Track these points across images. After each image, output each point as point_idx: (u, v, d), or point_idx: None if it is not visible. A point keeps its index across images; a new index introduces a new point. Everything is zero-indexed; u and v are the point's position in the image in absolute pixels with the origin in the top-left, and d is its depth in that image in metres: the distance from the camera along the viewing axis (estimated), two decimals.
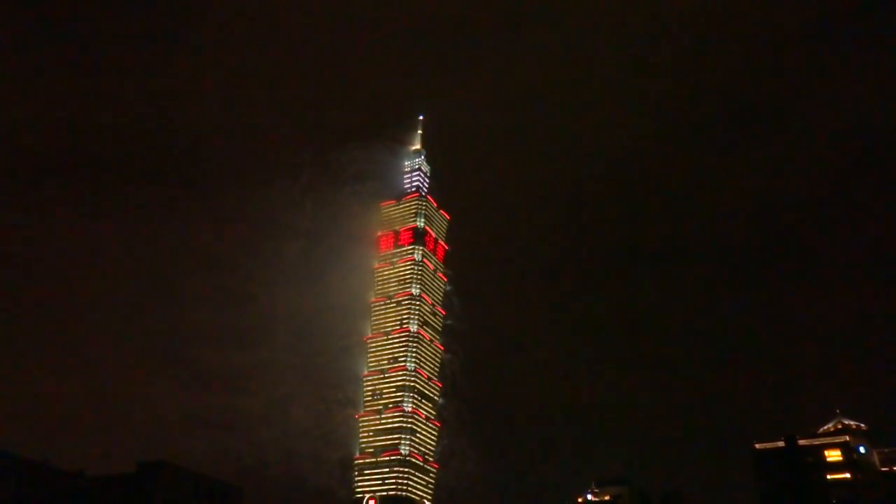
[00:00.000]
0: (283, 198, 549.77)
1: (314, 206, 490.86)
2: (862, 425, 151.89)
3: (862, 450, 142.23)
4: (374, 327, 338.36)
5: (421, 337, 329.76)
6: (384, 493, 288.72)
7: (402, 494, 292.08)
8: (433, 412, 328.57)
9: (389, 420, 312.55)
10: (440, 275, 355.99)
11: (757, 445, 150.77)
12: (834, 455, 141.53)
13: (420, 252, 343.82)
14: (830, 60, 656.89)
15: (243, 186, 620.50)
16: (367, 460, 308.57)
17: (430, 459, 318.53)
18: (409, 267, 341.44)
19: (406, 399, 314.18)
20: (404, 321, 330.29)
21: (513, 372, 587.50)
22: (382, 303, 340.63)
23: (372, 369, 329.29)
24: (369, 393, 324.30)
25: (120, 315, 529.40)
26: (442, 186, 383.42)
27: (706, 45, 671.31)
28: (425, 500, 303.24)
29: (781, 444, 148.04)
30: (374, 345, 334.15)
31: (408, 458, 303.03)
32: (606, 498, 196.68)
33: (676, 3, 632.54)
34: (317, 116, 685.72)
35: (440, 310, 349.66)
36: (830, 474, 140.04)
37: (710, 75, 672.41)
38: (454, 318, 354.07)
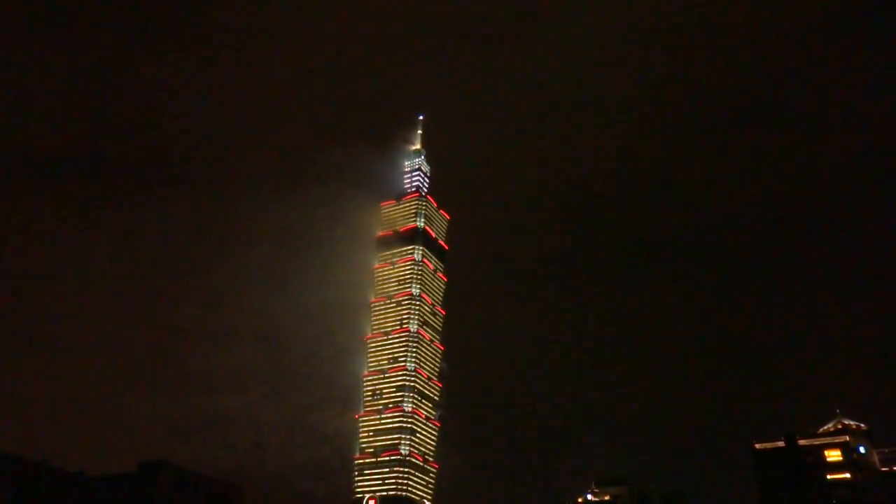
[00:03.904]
0: (274, 199, 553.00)
1: (306, 207, 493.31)
2: (862, 425, 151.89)
3: (862, 450, 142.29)
4: (374, 327, 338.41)
5: (421, 337, 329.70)
6: (384, 493, 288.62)
7: (402, 494, 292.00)
8: (433, 412, 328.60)
9: (389, 420, 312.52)
10: (440, 275, 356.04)
11: (757, 445, 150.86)
12: (834, 455, 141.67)
13: (420, 252, 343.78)
14: (833, 59, 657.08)
15: (229, 188, 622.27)
16: (367, 460, 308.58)
17: (430, 459, 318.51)
18: (409, 267, 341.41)
19: (406, 399, 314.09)
20: (404, 321, 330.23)
21: (513, 372, 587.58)
22: (382, 303, 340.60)
23: (372, 369, 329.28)
24: (369, 393, 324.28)
25: (110, 315, 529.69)
26: (442, 186, 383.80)
27: (710, 45, 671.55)
28: (425, 500, 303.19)
29: (781, 444, 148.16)
30: (374, 345, 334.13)
31: (408, 458, 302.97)
32: (606, 498, 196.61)
33: (680, 3, 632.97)
34: (314, 117, 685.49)
35: (440, 310, 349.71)
36: (830, 474, 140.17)
37: (713, 75, 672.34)
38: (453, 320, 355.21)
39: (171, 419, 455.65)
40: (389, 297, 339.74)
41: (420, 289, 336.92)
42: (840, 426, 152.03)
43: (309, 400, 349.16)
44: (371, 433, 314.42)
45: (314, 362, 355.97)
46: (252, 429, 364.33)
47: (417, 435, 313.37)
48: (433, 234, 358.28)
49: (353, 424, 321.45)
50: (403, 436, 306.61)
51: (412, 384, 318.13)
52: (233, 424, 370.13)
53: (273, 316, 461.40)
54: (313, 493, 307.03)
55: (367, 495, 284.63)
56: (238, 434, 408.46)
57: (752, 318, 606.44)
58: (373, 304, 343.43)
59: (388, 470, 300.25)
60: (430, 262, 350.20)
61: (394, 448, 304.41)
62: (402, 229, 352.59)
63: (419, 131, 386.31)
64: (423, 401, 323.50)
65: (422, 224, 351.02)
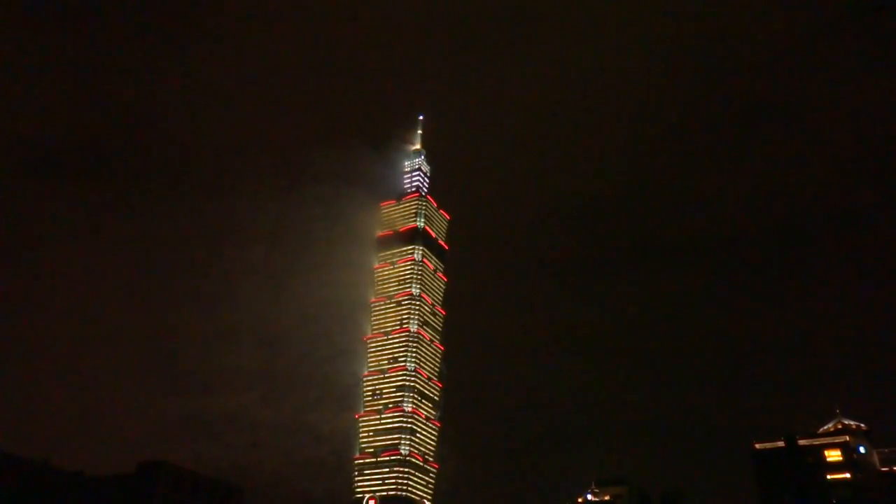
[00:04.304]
0: (272, 199, 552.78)
1: (306, 208, 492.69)
2: (862, 425, 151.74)
3: (862, 450, 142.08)
4: (374, 327, 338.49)
5: (421, 337, 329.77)
6: (384, 493, 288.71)
7: (402, 494, 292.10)
8: (433, 412, 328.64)
9: (389, 420, 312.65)
10: (440, 275, 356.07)
11: (757, 445, 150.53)
12: (834, 455, 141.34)
13: (420, 252, 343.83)
14: (833, 59, 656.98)
15: (228, 188, 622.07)
16: (367, 460, 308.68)
17: (430, 459, 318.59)
18: (409, 267, 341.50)
19: (406, 399, 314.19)
20: (404, 321, 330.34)
21: (513, 372, 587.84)
22: (382, 303, 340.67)
23: (372, 369, 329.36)
24: (369, 393, 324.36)
25: (110, 315, 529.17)
26: (442, 186, 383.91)
27: (710, 45, 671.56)
28: (425, 500, 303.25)
29: (781, 444, 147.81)
30: (374, 345, 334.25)
31: (408, 458, 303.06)
32: (606, 498, 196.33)
33: (682, 4, 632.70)
34: (313, 118, 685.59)
35: (440, 310, 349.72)
36: (830, 474, 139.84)
37: (714, 75, 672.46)
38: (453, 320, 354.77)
39: (170, 419, 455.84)
40: (389, 297, 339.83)
41: (420, 289, 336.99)
42: (840, 426, 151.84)
43: (309, 400, 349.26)
44: (371, 433, 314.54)
45: (314, 362, 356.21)
46: (252, 429, 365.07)
47: (417, 435, 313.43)
48: (433, 234, 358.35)
49: (353, 424, 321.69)
50: (403, 436, 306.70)
51: (412, 384, 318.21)
52: (232, 424, 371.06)
53: (272, 316, 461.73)
54: (313, 493, 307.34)
55: (367, 495, 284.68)
56: (238, 434, 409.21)
57: (752, 318, 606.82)
58: (373, 304, 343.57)
59: (388, 470, 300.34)
60: (430, 262, 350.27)
61: (394, 448, 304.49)
62: (402, 229, 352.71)
63: (419, 131, 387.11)
64: (423, 401, 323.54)
65: (422, 224, 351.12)
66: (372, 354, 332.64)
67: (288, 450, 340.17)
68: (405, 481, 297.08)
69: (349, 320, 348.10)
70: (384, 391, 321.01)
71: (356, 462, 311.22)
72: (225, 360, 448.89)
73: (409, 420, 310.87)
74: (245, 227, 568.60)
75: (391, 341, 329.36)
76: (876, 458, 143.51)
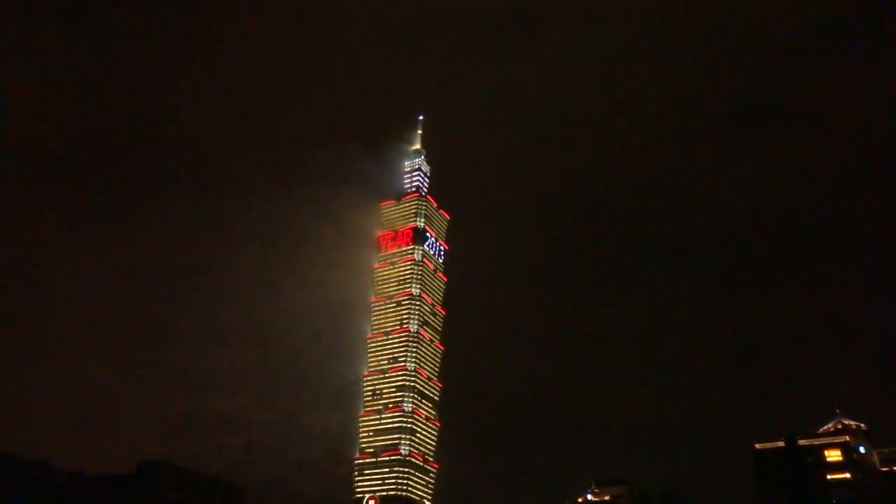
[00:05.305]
0: (270, 199, 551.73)
1: (306, 207, 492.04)
2: (862, 425, 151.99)
3: (862, 450, 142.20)
4: (374, 327, 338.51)
5: (421, 337, 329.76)
6: (384, 493, 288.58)
7: (402, 494, 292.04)
8: (433, 412, 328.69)
9: (389, 420, 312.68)
10: (440, 275, 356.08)
11: (757, 445, 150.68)
12: (834, 455, 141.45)
13: (420, 252, 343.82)
14: (833, 59, 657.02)
15: (224, 188, 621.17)
16: (367, 460, 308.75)
17: (430, 459, 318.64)
18: (409, 267, 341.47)
19: (406, 399, 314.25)
20: (404, 321, 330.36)
21: (513, 372, 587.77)
22: (382, 303, 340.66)
23: (372, 369, 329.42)
24: (369, 393, 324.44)
25: (108, 316, 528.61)
26: (442, 186, 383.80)
27: (710, 45, 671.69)
28: (425, 500, 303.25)
29: (781, 444, 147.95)
30: (374, 345, 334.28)
31: (408, 458, 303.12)
32: (606, 498, 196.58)
33: (682, 4, 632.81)
34: (313, 118, 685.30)
35: (440, 310, 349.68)
36: (830, 474, 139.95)
37: (713, 75, 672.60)
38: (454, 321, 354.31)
39: (170, 419, 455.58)
40: (389, 297, 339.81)
41: (420, 289, 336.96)
42: (840, 426, 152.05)
43: (309, 400, 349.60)
44: (371, 433, 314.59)
45: (314, 362, 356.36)
46: (251, 429, 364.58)
47: (417, 435, 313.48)
48: (433, 234, 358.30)
49: (353, 424, 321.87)
50: (403, 436, 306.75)
51: (412, 384, 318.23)
52: (227, 425, 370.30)
53: (269, 317, 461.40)
54: (312, 493, 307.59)
55: (367, 495, 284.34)
56: (233, 435, 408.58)
57: (752, 317, 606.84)
58: (373, 304, 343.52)
59: (388, 470, 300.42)
60: (430, 262, 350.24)
61: (394, 448, 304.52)
62: (402, 229, 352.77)
63: (419, 131, 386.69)
64: (423, 401, 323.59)
65: (422, 224, 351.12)
66: (372, 354, 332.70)
67: (288, 450, 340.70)
68: (405, 481, 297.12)
69: (349, 320, 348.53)
70: (384, 391, 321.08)
71: (356, 462, 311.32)
72: (220, 361, 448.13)
73: (409, 420, 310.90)
74: (242, 228, 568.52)
75: (391, 341, 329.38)
76: (876, 458, 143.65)
